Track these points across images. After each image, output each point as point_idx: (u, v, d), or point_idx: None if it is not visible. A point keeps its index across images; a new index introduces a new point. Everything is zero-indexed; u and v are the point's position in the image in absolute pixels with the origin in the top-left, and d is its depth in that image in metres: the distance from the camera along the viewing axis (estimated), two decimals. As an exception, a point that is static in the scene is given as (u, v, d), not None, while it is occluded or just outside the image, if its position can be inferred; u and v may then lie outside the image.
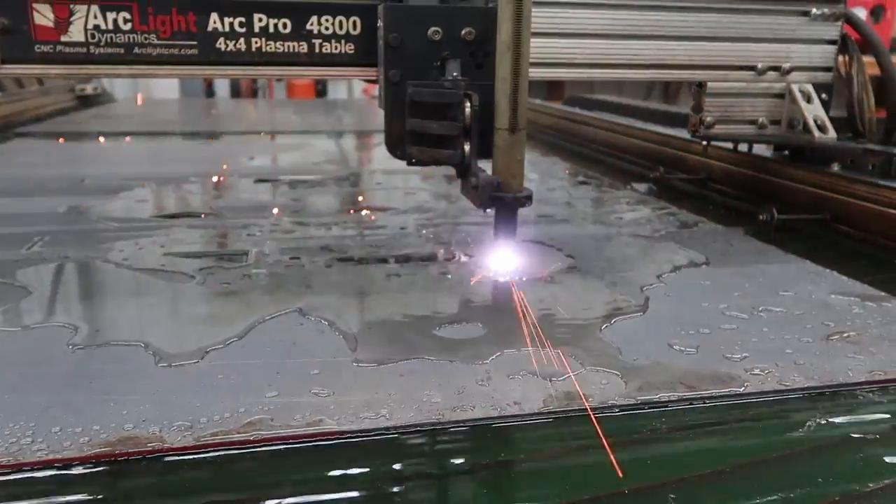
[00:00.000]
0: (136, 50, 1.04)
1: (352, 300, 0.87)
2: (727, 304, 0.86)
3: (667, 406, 0.62)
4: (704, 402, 0.63)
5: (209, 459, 0.53)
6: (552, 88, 4.52)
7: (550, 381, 0.65)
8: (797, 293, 0.91)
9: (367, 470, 0.53)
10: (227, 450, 0.54)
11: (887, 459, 0.57)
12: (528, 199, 0.84)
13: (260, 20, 1.09)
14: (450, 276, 0.95)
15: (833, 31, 1.28)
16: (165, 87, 4.42)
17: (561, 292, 0.91)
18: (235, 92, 4.87)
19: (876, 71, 1.31)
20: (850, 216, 1.17)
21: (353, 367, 0.68)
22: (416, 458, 0.55)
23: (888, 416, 0.63)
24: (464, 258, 1.02)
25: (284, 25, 1.10)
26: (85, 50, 1.01)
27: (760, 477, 0.56)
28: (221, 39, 1.08)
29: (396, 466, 0.53)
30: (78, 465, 0.51)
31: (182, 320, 0.80)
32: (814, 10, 1.26)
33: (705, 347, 0.74)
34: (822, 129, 1.25)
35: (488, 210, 0.86)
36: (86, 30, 1.00)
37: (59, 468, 0.51)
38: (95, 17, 1.01)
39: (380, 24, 1.00)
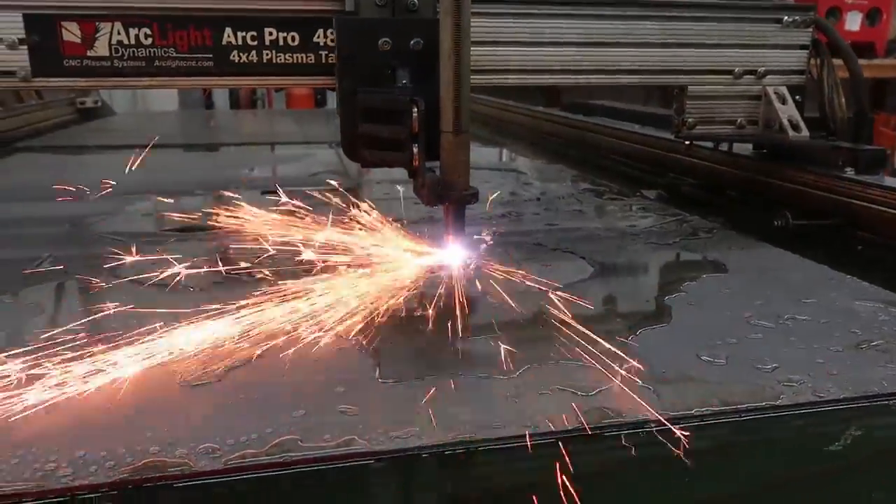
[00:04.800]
0: (157, 63, 1.07)
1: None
2: (751, 313, 0.85)
3: (702, 420, 0.61)
4: (740, 416, 0.62)
5: (238, 483, 0.52)
6: (549, 95, 4.52)
7: (583, 396, 0.64)
8: (820, 300, 0.89)
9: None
10: (255, 473, 0.53)
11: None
12: (473, 197, 0.88)
13: (270, 34, 1.11)
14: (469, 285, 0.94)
15: (804, 36, 1.33)
16: (164, 99, 4.41)
17: (584, 303, 0.90)
18: (234, 103, 4.86)
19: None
20: (865, 221, 1.16)
21: (377, 384, 0.66)
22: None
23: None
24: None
25: (293, 38, 1.12)
26: (109, 63, 1.04)
27: (801, 492, 0.55)
28: (235, 52, 1.10)
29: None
30: (106, 490, 0.50)
31: (198, 338, 0.79)
32: (786, 18, 1.31)
33: (735, 358, 0.72)
34: (795, 128, 1.29)
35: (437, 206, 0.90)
36: (110, 45, 1.04)
37: (84, 495, 0.49)
38: (119, 33, 1.04)
39: (333, 36, 1.03)
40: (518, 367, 0.69)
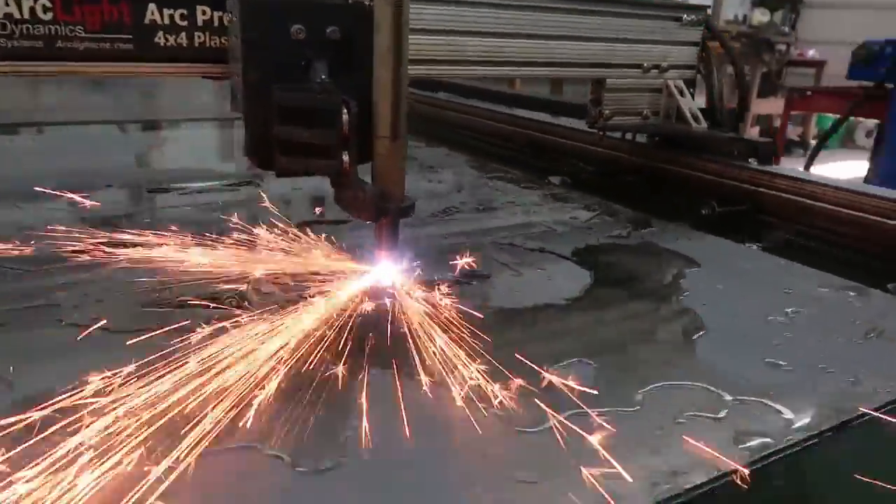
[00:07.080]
0: (60, 44, 0.85)
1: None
2: (763, 311, 0.89)
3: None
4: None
5: None
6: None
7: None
8: (795, 290, 0.98)
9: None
10: None
11: None
12: (411, 209, 0.83)
13: (203, 13, 0.92)
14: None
15: (697, 34, 1.47)
16: None
17: (617, 311, 0.89)
18: None
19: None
20: (771, 206, 1.30)
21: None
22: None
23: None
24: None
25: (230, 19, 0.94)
26: (-7, 42, 0.80)
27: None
28: (160, 33, 0.89)
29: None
30: None
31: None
32: (685, 16, 1.44)
33: (799, 364, 0.76)
34: (696, 119, 1.44)
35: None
36: (-7, 19, 0.79)
37: None
38: (7, 4, 0.81)
39: (232, 18, 0.87)
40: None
